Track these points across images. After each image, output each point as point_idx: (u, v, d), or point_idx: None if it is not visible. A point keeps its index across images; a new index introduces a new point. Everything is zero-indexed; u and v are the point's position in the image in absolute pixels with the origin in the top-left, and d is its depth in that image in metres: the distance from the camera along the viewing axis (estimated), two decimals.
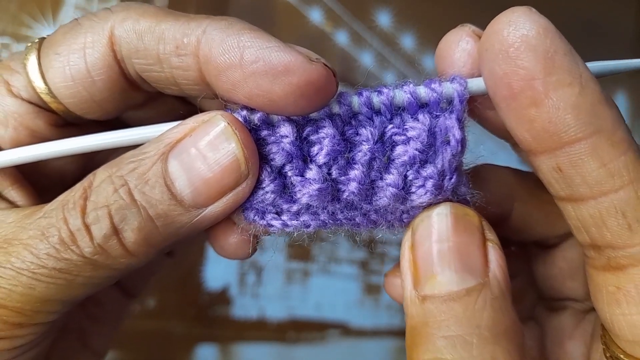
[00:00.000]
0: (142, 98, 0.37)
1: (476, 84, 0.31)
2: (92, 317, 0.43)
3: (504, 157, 0.39)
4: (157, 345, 0.72)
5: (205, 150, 0.31)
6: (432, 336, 0.28)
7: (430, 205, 0.32)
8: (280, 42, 0.30)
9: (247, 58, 0.29)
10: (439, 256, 0.29)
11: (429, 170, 0.32)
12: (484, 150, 0.34)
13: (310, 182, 0.32)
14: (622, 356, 0.29)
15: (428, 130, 0.31)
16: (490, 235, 0.31)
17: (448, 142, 0.31)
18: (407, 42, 0.78)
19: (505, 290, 0.29)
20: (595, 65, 0.31)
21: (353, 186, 0.32)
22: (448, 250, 0.29)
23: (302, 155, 0.33)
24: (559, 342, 0.39)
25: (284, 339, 0.74)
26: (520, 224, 0.38)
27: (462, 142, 0.31)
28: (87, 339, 0.43)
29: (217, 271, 0.73)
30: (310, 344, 0.75)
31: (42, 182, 0.38)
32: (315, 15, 0.76)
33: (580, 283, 0.39)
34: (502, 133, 0.33)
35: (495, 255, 0.30)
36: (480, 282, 0.28)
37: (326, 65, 0.30)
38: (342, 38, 0.76)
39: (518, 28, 0.27)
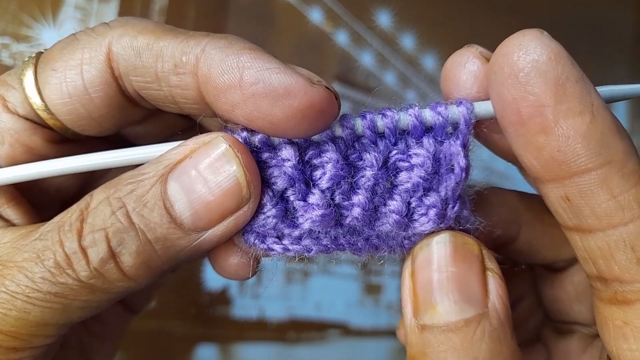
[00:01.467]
0: (140, 114, 0.36)
1: (483, 108, 0.31)
2: (93, 334, 0.43)
3: (518, 177, 0.38)
4: (157, 345, 0.72)
5: (206, 172, 0.30)
6: None
7: (431, 232, 0.32)
8: (281, 64, 0.29)
9: (246, 79, 0.29)
10: (438, 286, 0.29)
11: (432, 199, 0.31)
12: (496, 169, 0.34)
13: (313, 208, 0.31)
14: None
15: (432, 157, 0.31)
16: (491, 264, 0.30)
17: (452, 170, 0.31)
18: (407, 42, 0.78)
19: (505, 321, 0.29)
20: (607, 90, 0.31)
21: (357, 212, 0.32)
22: (447, 279, 0.29)
23: (305, 179, 0.32)
24: None
25: (284, 339, 0.74)
26: (527, 248, 0.38)
27: (467, 170, 0.31)
28: (89, 354, 0.42)
29: None
30: (310, 344, 0.75)
31: (40, 199, 0.37)
32: (315, 15, 0.76)
33: (588, 307, 0.38)
34: (510, 157, 0.33)
35: (494, 285, 0.29)
36: (479, 312, 0.28)
37: (328, 88, 0.29)
38: (342, 38, 0.76)
39: (529, 52, 0.26)
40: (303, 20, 0.75)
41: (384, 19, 0.78)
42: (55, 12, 0.67)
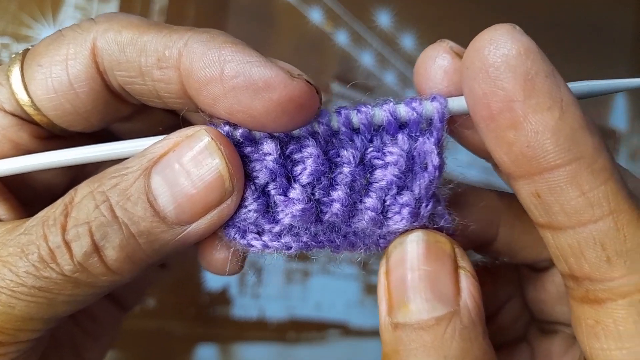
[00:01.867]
0: (127, 110, 0.36)
1: (457, 103, 0.31)
2: (85, 331, 0.43)
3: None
4: (157, 345, 0.72)
5: (189, 165, 0.30)
6: None
7: (406, 230, 0.32)
8: (261, 57, 0.29)
9: (227, 73, 0.29)
10: (411, 284, 0.29)
11: (405, 197, 0.31)
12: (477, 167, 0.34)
13: (294, 202, 0.32)
14: None
15: (406, 156, 0.31)
16: (463, 262, 0.30)
17: (426, 168, 0.31)
18: (407, 42, 0.78)
19: (477, 319, 0.29)
20: (584, 85, 0.30)
21: (336, 207, 0.32)
22: (419, 278, 0.29)
23: (286, 173, 0.32)
24: None
25: (284, 339, 0.74)
26: (506, 248, 0.38)
27: (440, 168, 0.31)
28: (81, 352, 0.42)
29: None
30: (310, 344, 0.75)
31: (29, 195, 0.37)
32: (315, 15, 0.76)
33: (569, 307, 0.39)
34: (483, 153, 0.32)
35: (467, 283, 0.29)
36: (451, 310, 0.28)
37: (308, 82, 0.29)
38: (342, 38, 0.76)
39: (499, 47, 0.26)
40: (303, 20, 0.75)
41: (384, 19, 0.78)
42: (55, 12, 0.67)
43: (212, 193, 0.31)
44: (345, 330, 0.76)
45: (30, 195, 0.37)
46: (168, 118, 0.40)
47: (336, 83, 0.76)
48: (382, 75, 0.78)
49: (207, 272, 0.73)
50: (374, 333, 0.77)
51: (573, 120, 0.26)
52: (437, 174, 0.31)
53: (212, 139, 0.30)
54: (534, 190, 0.27)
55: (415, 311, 0.29)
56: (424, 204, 0.32)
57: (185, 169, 0.30)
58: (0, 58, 0.65)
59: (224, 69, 0.29)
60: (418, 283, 0.29)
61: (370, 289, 0.77)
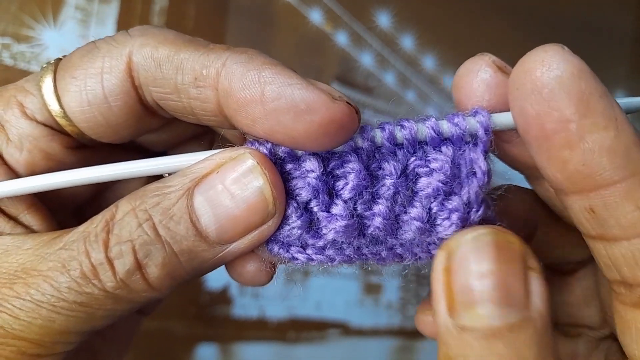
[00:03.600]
0: (158, 123, 0.36)
1: (500, 119, 0.31)
2: (104, 337, 0.43)
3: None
4: (157, 345, 0.72)
5: (233, 187, 0.31)
6: None
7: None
8: (302, 79, 0.29)
9: (268, 95, 0.29)
10: (479, 286, 0.27)
11: (454, 202, 0.31)
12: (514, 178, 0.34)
13: (336, 219, 0.32)
14: None
15: (451, 162, 0.31)
16: (533, 263, 0.29)
17: (474, 174, 0.31)
18: (407, 42, 0.78)
19: (549, 325, 0.28)
20: (625, 102, 0.31)
21: (378, 221, 0.32)
22: (489, 280, 0.27)
23: (327, 189, 0.32)
24: None
25: (284, 339, 0.75)
26: (542, 247, 0.37)
27: (489, 174, 0.31)
28: (99, 357, 0.43)
29: (218, 271, 0.73)
30: (310, 344, 0.75)
31: (55, 204, 0.37)
32: (315, 16, 0.76)
33: (596, 311, 0.38)
34: (519, 165, 0.33)
35: (537, 286, 0.28)
36: (523, 317, 0.27)
37: (349, 103, 0.29)
38: (342, 38, 0.77)
39: (551, 69, 0.26)
40: (303, 21, 0.75)
41: (383, 19, 0.78)
42: (56, 12, 0.67)
43: (255, 215, 0.31)
44: (345, 330, 0.76)
45: (56, 204, 0.37)
46: (192, 128, 0.41)
47: (336, 83, 0.76)
48: (382, 76, 0.78)
49: None
50: (374, 333, 0.78)
51: (627, 138, 0.26)
52: (485, 179, 0.31)
53: (257, 163, 0.31)
54: (588, 206, 0.27)
55: (485, 316, 0.27)
56: (474, 209, 0.31)
57: (229, 190, 0.31)
58: (1, 58, 0.65)
59: (264, 91, 0.29)
60: (488, 286, 0.27)
61: (370, 289, 0.78)
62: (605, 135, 0.26)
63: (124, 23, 0.69)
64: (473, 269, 0.28)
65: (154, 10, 0.70)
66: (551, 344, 0.28)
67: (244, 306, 0.73)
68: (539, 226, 0.37)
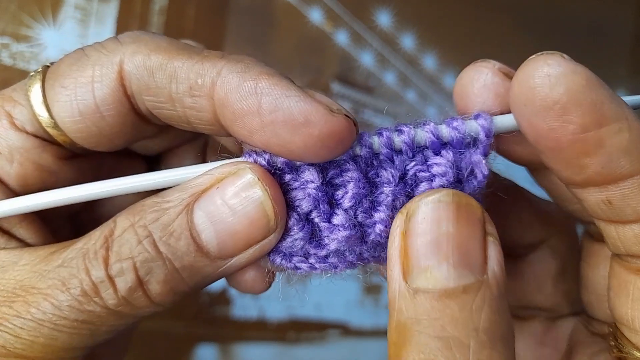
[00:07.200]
0: (152, 131, 0.36)
1: (501, 121, 0.31)
2: (103, 342, 0.43)
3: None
4: (157, 345, 0.72)
5: (234, 203, 0.30)
6: (425, 336, 0.26)
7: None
8: (300, 90, 0.29)
9: (265, 107, 0.28)
10: (436, 247, 0.27)
11: None
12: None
13: (339, 229, 0.31)
14: (636, 352, 0.29)
15: (453, 166, 0.31)
16: (491, 228, 0.29)
17: (475, 177, 0.31)
18: (407, 42, 0.78)
19: (503, 291, 0.27)
20: (630, 100, 0.31)
21: (378, 229, 0.32)
22: (447, 241, 0.27)
23: (328, 199, 0.32)
24: (530, 349, 0.39)
25: (284, 339, 0.74)
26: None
27: (487, 177, 0.31)
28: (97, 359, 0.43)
29: None
30: (310, 344, 0.75)
31: (48, 213, 0.36)
32: (315, 15, 0.76)
33: (548, 294, 0.39)
34: (523, 162, 0.33)
35: (494, 252, 0.28)
36: (479, 279, 0.27)
37: (347, 116, 0.29)
38: (342, 38, 0.76)
39: (559, 83, 0.25)
40: (303, 20, 0.75)
41: (384, 19, 0.78)
42: (55, 12, 0.67)
43: (256, 230, 0.31)
44: (345, 330, 0.76)
45: (50, 213, 0.36)
46: (187, 135, 0.40)
47: (336, 83, 0.76)
48: (382, 75, 0.78)
49: None
50: (374, 333, 0.77)
51: (639, 133, 0.26)
52: (485, 181, 0.31)
53: (258, 179, 0.30)
54: (605, 198, 0.28)
55: (440, 277, 0.26)
56: None
57: (230, 206, 0.30)
58: (0, 58, 0.65)
59: (261, 103, 0.28)
60: (446, 246, 0.27)
61: (370, 289, 0.77)
62: (621, 138, 0.26)
63: (124, 22, 0.69)
64: (432, 229, 0.27)
65: (154, 9, 0.70)
66: (506, 309, 0.27)
67: (244, 306, 0.73)
68: (490, 207, 0.37)
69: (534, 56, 0.27)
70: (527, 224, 0.37)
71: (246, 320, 0.73)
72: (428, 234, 0.27)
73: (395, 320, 0.27)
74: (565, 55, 0.26)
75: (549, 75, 0.26)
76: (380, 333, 0.78)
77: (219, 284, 0.73)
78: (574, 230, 0.39)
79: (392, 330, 0.27)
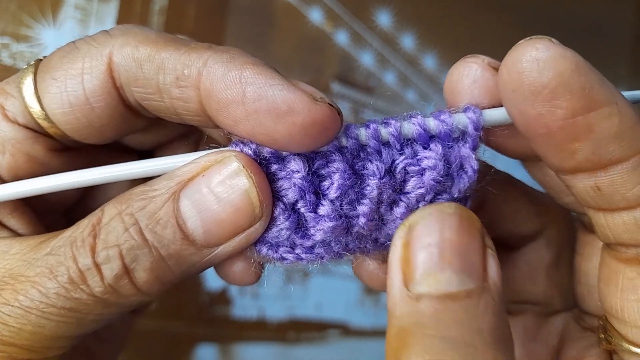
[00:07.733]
0: (143, 124, 0.36)
1: (491, 115, 0.31)
2: (99, 337, 0.43)
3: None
4: (157, 345, 0.72)
5: (219, 191, 0.30)
6: (429, 337, 0.26)
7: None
8: (283, 80, 0.29)
9: (249, 95, 0.28)
10: (439, 254, 0.28)
11: (443, 199, 0.32)
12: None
13: (324, 220, 0.32)
14: (624, 344, 0.29)
15: (443, 159, 0.31)
16: (489, 242, 0.30)
17: (465, 172, 0.31)
18: (407, 42, 0.78)
19: (503, 300, 0.28)
20: (630, 95, 0.31)
21: (362, 222, 0.32)
22: (450, 248, 0.28)
23: (314, 189, 0.32)
24: (522, 344, 0.39)
25: (284, 339, 0.74)
26: (489, 221, 0.37)
27: (478, 171, 0.31)
28: (94, 356, 0.43)
29: None
30: (310, 344, 0.75)
31: (42, 207, 0.37)
32: (315, 15, 0.76)
33: (541, 287, 0.39)
34: (514, 154, 0.33)
35: (493, 264, 0.29)
36: (481, 285, 0.27)
37: (331, 105, 0.29)
38: (342, 38, 0.76)
39: (548, 68, 0.25)
40: (303, 20, 0.75)
41: (384, 19, 0.78)
42: (55, 12, 0.67)
43: (242, 218, 0.31)
44: (345, 331, 0.76)
45: (44, 207, 0.37)
46: (178, 128, 0.40)
47: (336, 83, 0.76)
48: (382, 75, 0.78)
49: (207, 272, 0.73)
50: (374, 333, 0.77)
51: (630, 119, 0.26)
52: (475, 176, 0.31)
53: (243, 166, 0.30)
54: (594, 184, 0.28)
55: (443, 282, 0.27)
56: (461, 204, 0.31)
57: (215, 194, 0.30)
58: (0, 58, 0.65)
59: (245, 92, 0.28)
60: (449, 254, 0.27)
61: (370, 289, 0.77)
62: (611, 123, 0.26)
63: (124, 22, 0.69)
64: (435, 237, 0.28)
65: (154, 9, 0.70)
66: (505, 317, 0.28)
67: (244, 306, 0.73)
68: (488, 198, 0.37)
69: (522, 41, 0.26)
70: (523, 215, 0.37)
71: (246, 320, 0.73)
72: (431, 242, 0.28)
73: (396, 326, 0.27)
74: (554, 40, 0.26)
75: (538, 60, 0.25)
76: (380, 333, 0.78)
77: (219, 284, 0.73)
78: (569, 222, 0.39)
79: (392, 337, 0.27)
